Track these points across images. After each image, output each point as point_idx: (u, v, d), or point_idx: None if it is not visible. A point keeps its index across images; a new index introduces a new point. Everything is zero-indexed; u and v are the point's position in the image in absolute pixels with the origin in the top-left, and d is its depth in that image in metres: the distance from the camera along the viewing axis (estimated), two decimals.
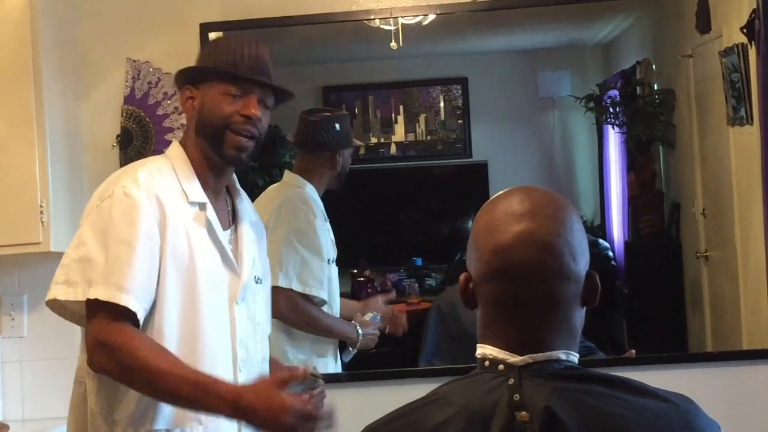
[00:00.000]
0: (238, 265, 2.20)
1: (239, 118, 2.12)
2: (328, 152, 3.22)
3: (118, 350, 1.96)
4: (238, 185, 2.32)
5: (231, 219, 2.26)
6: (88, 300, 1.99)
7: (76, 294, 2.01)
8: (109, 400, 2.08)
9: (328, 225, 3.18)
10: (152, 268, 2.04)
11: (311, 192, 3.17)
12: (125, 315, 1.99)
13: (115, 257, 2.00)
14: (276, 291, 2.90)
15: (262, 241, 2.38)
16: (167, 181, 2.12)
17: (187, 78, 2.21)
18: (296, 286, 3.04)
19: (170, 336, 2.06)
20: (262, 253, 2.37)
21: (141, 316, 2.01)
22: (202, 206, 2.14)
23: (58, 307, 2.08)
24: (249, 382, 2.13)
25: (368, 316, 3.24)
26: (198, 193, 2.15)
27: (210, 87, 2.15)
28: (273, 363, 2.36)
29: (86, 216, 2.10)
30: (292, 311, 3.06)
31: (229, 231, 2.23)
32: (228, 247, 2.18)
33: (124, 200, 2.04)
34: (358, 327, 3.19)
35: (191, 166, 2.17)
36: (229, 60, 2.14)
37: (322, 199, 3.21)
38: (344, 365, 3.24)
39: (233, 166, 2.22)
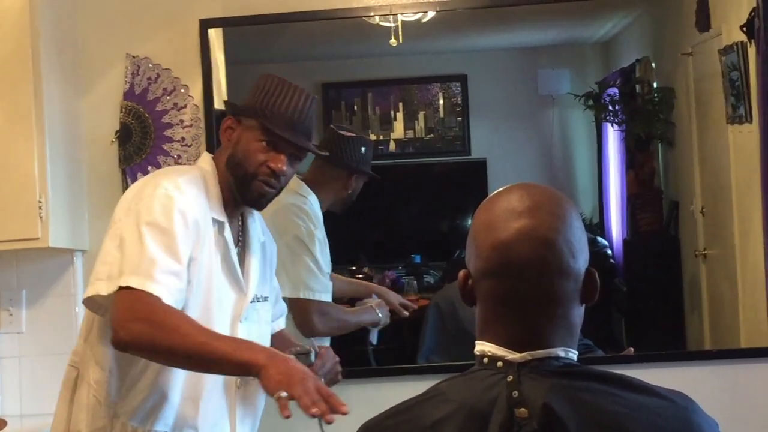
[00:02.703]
0: (245, 284, 2.23)
1: (266, 170, 2.18)
2: (346, 171, 3.09)
3: (149, 312, 1.94)
4: None
5: (240, 237, 2.29)
6: (120, 287, 1.97)
7: (114, 286, 1.99)
8: (116, 392, 2.11)
9: (326, 240, 3.05)
10: (186, 275, 2.04)
11: (313, 202, 3.03)
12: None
13: (155, 256, 1.99)
14: (293, 305, 2.87)
15: (272, 261, 2.43)
16: (201, 194, 2.17)
17: (232, 109, 2.30)
18: (303, 294, 2.94)
19: None
20: (270, 272, 2.42)
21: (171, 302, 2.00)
22: (221, 225, 2.19)
23: (95, 304, 2.08)
24: (245, 396, 2.21)
25: (373, 300, 3.20)
26: (220, 213, 2.20)
27: (248, 126, 2.21)
28: (281, 337, 2.43)
29: (123, 214, 2.08)
30: (318, 322, 2.99)
31: (237, 249, 2.25)
32: (237, 266, 2.22)
33: (165, 201, 2.06)
34: (376, 310, 3.15)
35: (219, 186, 2.22)
36: (274, 108, 2.19)
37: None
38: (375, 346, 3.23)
39: (252, 208, 2.29)
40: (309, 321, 2.94)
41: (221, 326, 2.15)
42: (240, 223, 2.30)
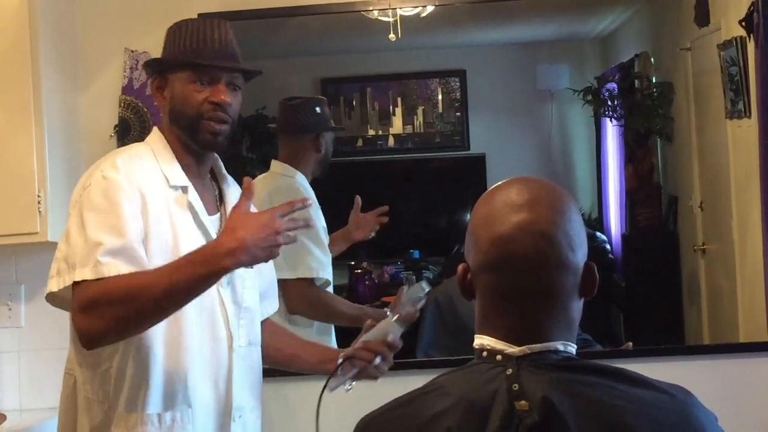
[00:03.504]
0: None
1: (209, 106, 2.14)
2: (310, 134, 3.22)
3: (102, 295, 1.93)
4: (224, 171, 2.32)
5: (218, 204, 2.26)
6: (74, 283, 1.98)
7: (65, 281, 2.00)
8: (104, 386, 2.09)
9: (320, 212, 3.16)
10: (140, 247, 2.02)
11: (302, 180, 3.17)
12: None
13: (98, 240, 1.98)
14: (285, 285, 2.93)
15: None
16: (147, 166, 2.14)
17: (154, 68, 2.24)
18: (301, 273, 3.03)
19: None
20: None
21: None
22: (184, 189, 2.16)
23: (57, 300, 2.09)
24: (241, 362, 2.18)
25: (412, 293, 3.12)
26: (179, 176, 2.16)
27: (177, 76, 2.17)
28: (313, 346, 2.45)
29: (72, 207, 2.10)
30: (307, 305, 3.07)
31: (216, 216, 2.23)
32: (214, 232, 2.17)
33: (102, 183, 2.05)
34: (388, 312, 3.14)
35: (171, 152, 2.18)
36: (193, 46, 2.15)
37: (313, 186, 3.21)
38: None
39: (212, 152, 2.24)
40: (295, 302, 3.03)
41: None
42: (216, 190, 2.27)
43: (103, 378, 2.09)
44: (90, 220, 2.02)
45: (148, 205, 2.07)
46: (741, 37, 3.14)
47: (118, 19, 3.22)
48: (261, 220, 1.96)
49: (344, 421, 2.30)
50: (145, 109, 3.19)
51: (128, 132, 3.19)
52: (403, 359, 3.23)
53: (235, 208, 2.01)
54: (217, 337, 2.16)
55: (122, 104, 3.20)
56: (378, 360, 2.25)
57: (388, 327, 2.25)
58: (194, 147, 2.18)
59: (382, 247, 3.87)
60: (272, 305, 2.46)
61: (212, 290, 2.11)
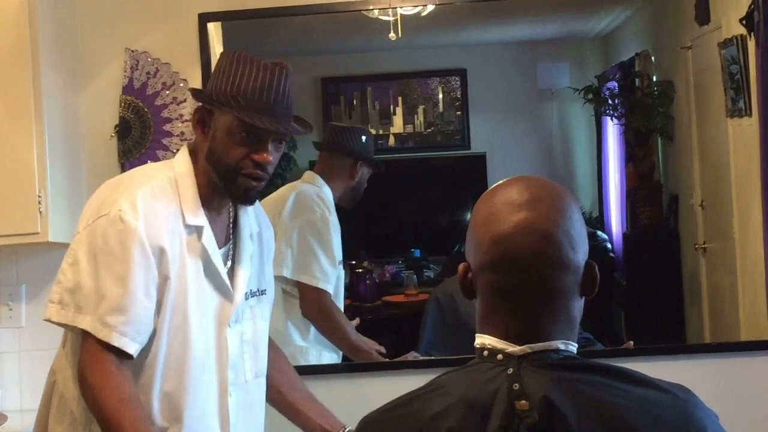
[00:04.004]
0: (233, 285, 2.15)
1: (250, 163, 2.05)
2: (350, 159, 3.31)
3: (94, 389, 1.95)
4: None
5: (231, 231, 2.20)
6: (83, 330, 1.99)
7: (67, 318, 2.01)
8: (85, 411, 2.06)
9: (338, 232, 3.22)
10: (148, 301, 2.00)
11: (327, 192, 3.24)
12: (112, 349, 1.97)
13: (105, 290, 1.96)
14: (303, 289, 3.08)
15: (268, 249, 2.34)
16: (166, 204, 2.05)
17: (201, 99, 2.13)
18: (305, 279, 3.10)
19: (158, 363, 2.04)
20: (266, 262, 2.32)
21: (133, 350, 1.98)
22: (199, 230, 2.08)
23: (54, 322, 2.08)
24: (239, 402, 2.15)
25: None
26: (197, 217, 2.08)
27: (223, 119, 2.06)
28: (305, 407, 2.35)
29: (82, 227, 2.05)
30: (318, 313, 3.13)
31: (225, 248, 2.17)
32: (222, 271, 2.12)
33: (119, 226, 1.98)
34: (382, 351, 3.19)
35: (196, 186, 2.10)
36: (248, 95, 2.03)
37: None
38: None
39: (242, 204, 2.17)
40: (310, 307, 3.11)
41: (206, 334, 2.09)
42: (231, 218, 2.20)
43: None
44: (102, 264, 1.98)
45: (168, 254, 2.01)
46: (741, 35, 3.13)
47: (119, 18, 3.21)
48: None
49: (345, 421, 2.31)
50: (146, 109, 3.19)
51: (129, 132, 3.19)
52: (404, 359, 3.25)
53: None
54: (212, 381, 2.13)
55: (123, 104, 3.19)
56: None
57: None
58: (224, 192, 2.10)
59: (383, 246, 3.87)
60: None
61: (215, 332, 2.11)
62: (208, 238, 2.09)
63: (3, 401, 3.15)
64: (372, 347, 3.16)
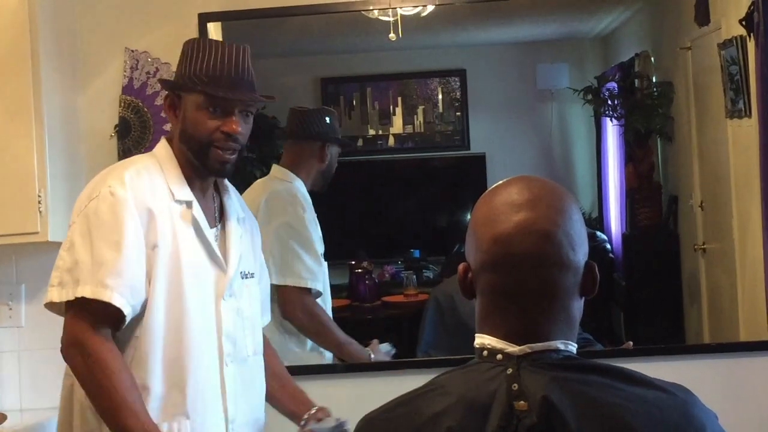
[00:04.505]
0: (225, 261, 2.22)
1: (221, 135, 2.16)
2: (317, 143, 3.22)
3: (93, 360, 2.02)
4: (226, 181, 2.34)
5: (218, 216, 2.28)
6: (75, 298, 2.03)
7: (68, 295, 2.05)
8: None
9: (317, 222, 3.16)
10: (140, 267, 2.07)
11: (300, 186, 3.16)
12: (109, 316, 2.04)
13: (102, 257, 2.03)
14: (281, 291, 2.98)
15: (254, 236, 2.41)
16: (154, 180, 2.16)
17: (168, 86, 2.27)
18: (291, 281, 3.03)
19: (157, 332, 2.10)
20: (254, 248, 2.39)
21: (128, 313, 2.05)
22: (188, 204, 2.18)
23: (56, 307, 2.13)
24: (237, 375, 2.19)
25: (383, 347, 3.21)
26: (184, 192, 2.18)
27: (191, 99, 2.17)
28: (295, 397, 2.41)
29: (76, 215, 2.13)
30: (301, 313, 3.06)
31: (215, 229, 2.25)
32: (214, 245, 2.21)
33: (109, 199, 2.07)
34: (370, 352, 3.17)
35: (178, 166, 2.20)
36: (209, 72, 2.15)
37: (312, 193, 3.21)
38: None
39: (218, 177, 2.26)
40: (292, 310, 3.02)
41: (202, 305, 2.15)
42: (217, 202, 2.29)
43: None
44: (96, 236, 2.05)
45: (156, 219, 2.10)
46: (741, 36, 3.13)
47: (119, 18, 3.21)
48: None
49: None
50: (146, 109, 3.19)
51: (128, 132, 3.19)
52: (404, 359, 3.25)
53: None
54: (212, 350, 2.17)
55: (122, 104, 3.20)
56: None
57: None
58: (201, 168, 2.20)
59: (383, 247, 3.88)
60: (266, 316, 2.48)
61: (211, 304, 2.16)
62: (198, 212, 2.19)
63: (3, 401, 3.15)
64: (354, 346, 3.12)
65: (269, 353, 2.43)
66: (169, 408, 2.10)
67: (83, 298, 2.02)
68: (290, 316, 3.03)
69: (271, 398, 2.39)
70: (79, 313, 2.05)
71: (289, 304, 3.03)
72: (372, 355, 3.15)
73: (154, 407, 2.08)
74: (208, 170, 2.20)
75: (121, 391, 1.99)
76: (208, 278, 2.18)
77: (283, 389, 2.41)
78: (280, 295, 3.01)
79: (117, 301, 2.02)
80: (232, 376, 2.20)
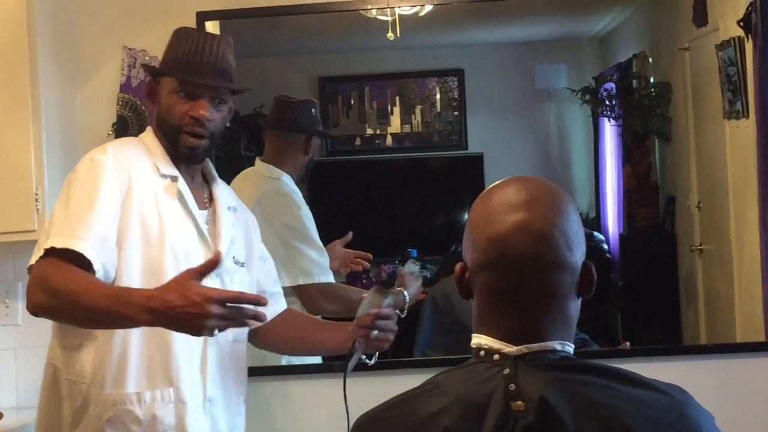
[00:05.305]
0: (214, 243, 2.23)
1: (189, 120, 2.20)
2: (303, 135, 3.20)
3: (49, 279, 1.99)
4: (214, 172, 2.37)
5: (208, 202, 2.31)
6: (45, 251, 2.02)
7: (40, 252, 2.04)
8: (86, 366, 2.12)
9: (310, 215, 3.14)
10: (112, 226, 2.08)
11: (288, 182, 3.14)
12: (77, 262, 2.02)
13: (75, 213, 2.06)
14: (299, 291, 3.00)
15: (249, 227, 2.42)
16: (139, 155, 2.21)
17: (149, 72, 2.35)
18: (302, 280, 3.02)
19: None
20: (250, 239, 2.41)
21: (97, 268, 2.03)
22: (173, 179, 2.21)
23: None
24: (218, 357, 2.20)
25: (408, 266, 3.01)
26: (169, 167, 2.22)
27: (166, 85, 2.23)
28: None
29: (62, 191, 2.17)
30: (326, 302, 3.04)
31: (206, 211, 2.27)
32: (204, 226, 2.23)
33: (89, 164, 2.14)
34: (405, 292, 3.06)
35: (163, 149, 2.25)
36: (186, 58, 2.20)
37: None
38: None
39: (189, 163, 2.28)
40: (315, 304, 3.01)
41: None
42: (207, 191, 2.32)
43: (85, 359, 2.12)
44: (73, 196, 2.09)
45: (134, 186, 2.13)
46: (739, 37, 3.14)
47: (117, 16, 3.21)
48: (196, 295, 1.86)
49: (343, 421, 2.31)
50: (143, 107, 3.19)
51: (126, 130, 3.18)
52: (401, 359, 3.25)
53: (187, 271, 1.95)
54: None
55: (120, 102, 3.19)
56: (375, 333, 2.26)
57: (372, 299, 2.28)
58: (174, 155, 2.24)
59: (380, 246, 3.87)
60: (280, 304, 2.48)
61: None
62: (183, 186, 2.22)
63: None
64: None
65: (302, 317, 2.56)
66: (152, 376, 2.12)
67: (52, 248, 2.02)
68: (318, 310, 3.00)
69: (313, 344, 2.50)
70: (38, 266, 2.04)
71: (311, 300, 3.02)
72: (407, 296, 3.01)
73: (136, 375, 2.10)
74: (180, 156, 2.23)
75: (84, 286, 1.97)
76: (195, 257, 2.15)
77: (322, 327, 2.53)
78: (300, 296, 3.01)
79: (86, 251, 2.01)
80: (214, 357, 2.21)
